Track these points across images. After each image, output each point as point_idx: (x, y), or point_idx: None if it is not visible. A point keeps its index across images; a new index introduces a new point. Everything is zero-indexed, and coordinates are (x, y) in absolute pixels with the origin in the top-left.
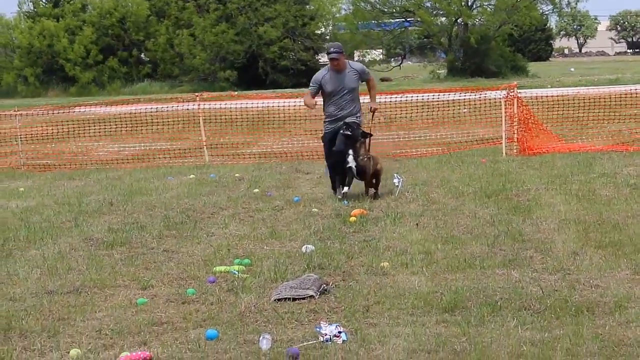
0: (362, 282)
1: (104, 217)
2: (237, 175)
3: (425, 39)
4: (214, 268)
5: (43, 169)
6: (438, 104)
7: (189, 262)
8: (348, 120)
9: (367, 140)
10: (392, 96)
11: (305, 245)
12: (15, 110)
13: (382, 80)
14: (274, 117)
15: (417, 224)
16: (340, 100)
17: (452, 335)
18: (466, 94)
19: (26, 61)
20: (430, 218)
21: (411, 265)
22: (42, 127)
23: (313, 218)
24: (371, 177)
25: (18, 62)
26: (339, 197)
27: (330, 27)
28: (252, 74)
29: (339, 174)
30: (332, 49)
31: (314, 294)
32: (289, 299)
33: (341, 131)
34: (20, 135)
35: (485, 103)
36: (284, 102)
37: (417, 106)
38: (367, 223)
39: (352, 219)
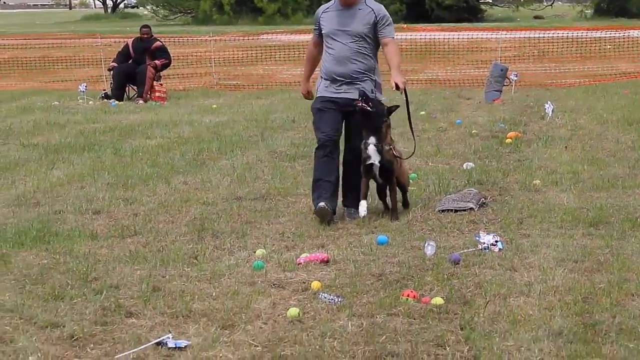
0: (517, 197)
1: (287, 133)
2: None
3: None
4: None
5: (233, 89)
6: (585, 41)
7: None
8: (357, 85)
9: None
10: (545, 32)
11: (466, 163)
12: (210, 36)
13: (535, 17)
14: (438, 48)
15: (565, 146)
16: (340, 50)
17: (596, 247)
18: (611, 32)
19: None
20: (578, 142)
21: (560, 184)
22: (233, 51)
23: (473, 139)
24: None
25: None
26: (354, 215)
27: None
28: (419, 9)
29: (329, 176)
30: None
31: (473, 207)
32: (452, 210)
33: (356, 105)
34: (214, 58)
35: (628, 41)
36: (449, 34)
37: (566, 42)
38: (521, 145)
39: (508, 140)
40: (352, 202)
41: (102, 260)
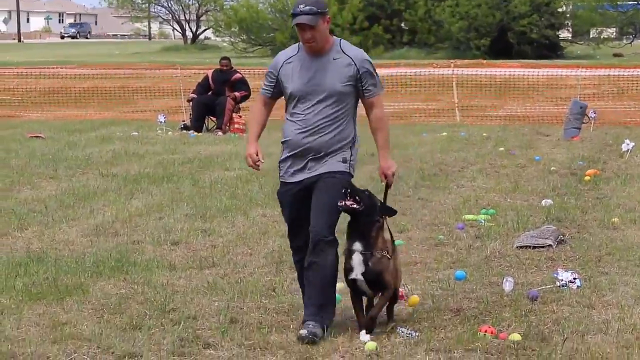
0: (595, 235)
1: (367, 167)
2: (484, 134)
3: None
4: (463, 216)
5: None
6: None
7: (441, 210)
8: (327, 162)
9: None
10: (624, 70)
11: (544, 200)
12: None
13: (615, 55)
14: (518, 84)
15: None
16: (310, 116)
17: None
18: None
19: None
20: None
21: (639, 222)
22: None
23: (552, 175)
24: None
25: (290, 24)
26: (304, 337)
27: (571, 7)
28: (501, 45)
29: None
30: (300, 5)
31: (552, 244)
32: (530, 246)
33: (339, 203)
34: None
35: None
36: (528, 71)
37: None
38: (600, 182)
39: (587, 178)
40: (310, 314)
41: (180, 291)
